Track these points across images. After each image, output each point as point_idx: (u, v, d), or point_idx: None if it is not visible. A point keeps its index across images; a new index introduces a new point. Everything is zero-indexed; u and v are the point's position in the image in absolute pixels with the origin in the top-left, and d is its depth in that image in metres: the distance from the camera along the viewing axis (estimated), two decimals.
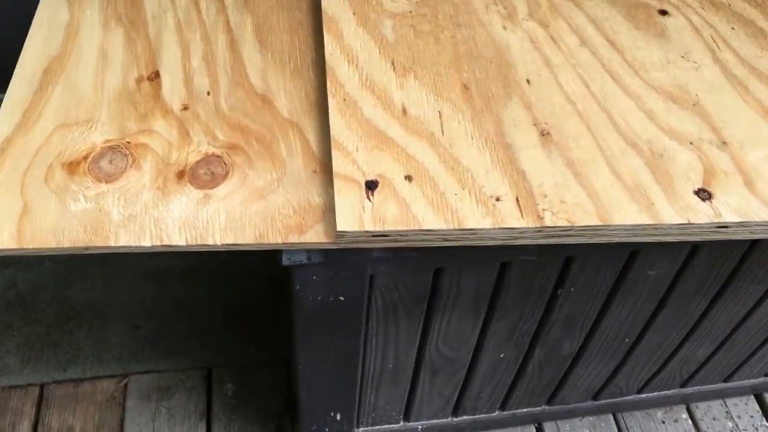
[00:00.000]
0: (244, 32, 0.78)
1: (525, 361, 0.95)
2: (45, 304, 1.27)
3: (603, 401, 1.14)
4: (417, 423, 1.08)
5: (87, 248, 0.58)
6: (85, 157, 0.63)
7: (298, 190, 0.64)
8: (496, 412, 1.11)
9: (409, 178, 0.63)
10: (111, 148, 0.64)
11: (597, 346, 0.94)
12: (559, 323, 0.87)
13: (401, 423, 1.08)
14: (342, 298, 0.72)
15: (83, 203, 0.60)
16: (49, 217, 0.59)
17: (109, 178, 0.62)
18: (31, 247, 0.57)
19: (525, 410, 1.12)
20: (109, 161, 0.63)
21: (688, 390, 1.18)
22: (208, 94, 0.71)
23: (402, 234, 0.60)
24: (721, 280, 0.85)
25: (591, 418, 1.22)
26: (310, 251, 0.64)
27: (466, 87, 0.72)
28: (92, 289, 1.29)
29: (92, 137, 0.65)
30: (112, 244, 0.58)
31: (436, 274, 0.74)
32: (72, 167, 0.63)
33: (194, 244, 0.59)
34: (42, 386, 1.18)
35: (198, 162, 0.64)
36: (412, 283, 0.74)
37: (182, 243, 0.59)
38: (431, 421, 1.09)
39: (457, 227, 0.60)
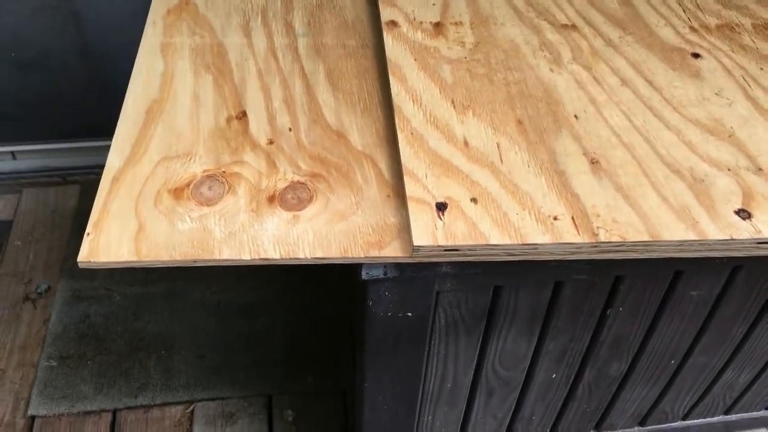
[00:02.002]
0: (317, 78, 0.87)
1: (575, 383, 1.00)
2: (116, 335, 1.35)
3: (649, 427, 1.18)
4: None
5: (195, 261, 0.65)
6: (188, 185, 0.72)
7: (375, 212, 0.71)
8: None
9: (474, 200, 0.71)
10: (209, 176, 0.73)
11: (644, 368, 0.99)
12: (608, 344, 0.93)
13: None
14: (410, 314, 0.79)
15: (189, 223, 0.68)
16: (161, 235, 0.67)
17: (209, 202, 0.70)
18: (147, 259, 0.65)
19: None
20: (208, 188, 0.72)
21: (732, 417, 1.21)
22: (290, 130, 0.79)
23: (471, 248, 0.67)
24: (760, 302, 0.90)
25: None
26: (386, 266, 0.71)
27: (520, 122, 0.80)
28: (160, 322, 1.38)
29: (192, 168, 0.74)
30: (217, 257, 0.66)
31: (495, 293, 0.81)
32: (177, 193, 0.71)
33: (287, 257, 0.66)
34: (114, 412, 1.25)
35: (285, 188, 0.73)
36: (473, 301, 0.81)
37: (277, 257, 0.66)
38: None
39: (520, 242, 0.67)
